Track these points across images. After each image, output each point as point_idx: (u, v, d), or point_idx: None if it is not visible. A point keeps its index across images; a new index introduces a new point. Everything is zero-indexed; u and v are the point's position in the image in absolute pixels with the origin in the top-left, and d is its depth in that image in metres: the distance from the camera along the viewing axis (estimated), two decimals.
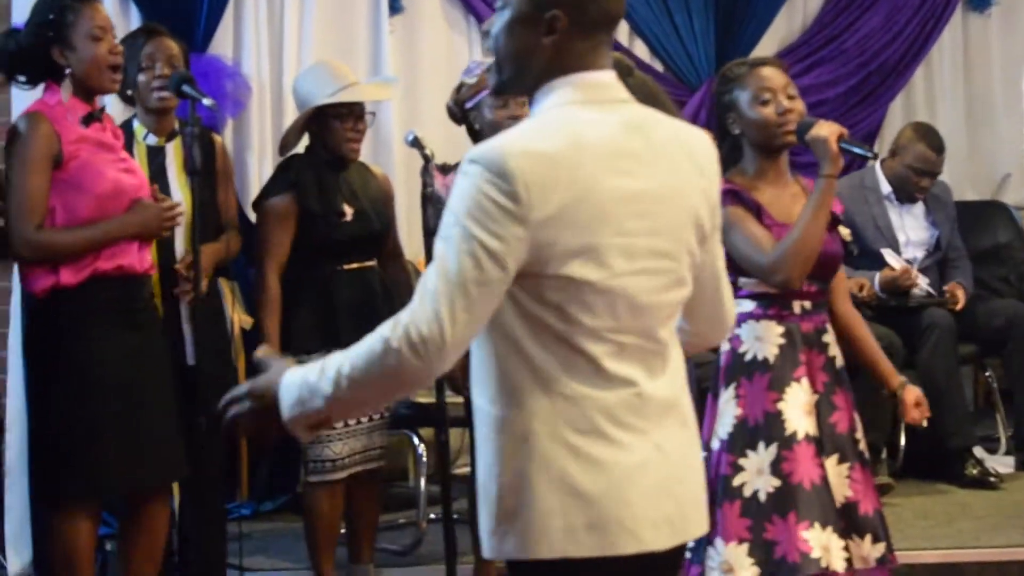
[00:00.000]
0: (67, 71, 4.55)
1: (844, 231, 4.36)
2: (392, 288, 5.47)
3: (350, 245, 5.30)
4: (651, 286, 2.65)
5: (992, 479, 6.84)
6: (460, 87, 5.38)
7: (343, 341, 5.06)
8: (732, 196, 4.12)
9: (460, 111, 5.39)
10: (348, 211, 5.29)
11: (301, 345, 5.19)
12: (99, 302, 4.52)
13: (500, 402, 2.66)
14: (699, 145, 2.81)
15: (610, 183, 2.60)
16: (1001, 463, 7.09)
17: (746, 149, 4.26)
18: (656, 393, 2.69)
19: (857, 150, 4.24)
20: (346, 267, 5.28)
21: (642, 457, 2.65)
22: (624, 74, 4.65)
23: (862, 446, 4.24)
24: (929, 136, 7.18)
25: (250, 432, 2.80)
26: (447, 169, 5.18)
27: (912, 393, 4.36)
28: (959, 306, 7.03)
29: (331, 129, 5.30)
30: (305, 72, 5.70)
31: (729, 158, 4.26)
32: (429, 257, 4.95)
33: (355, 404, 2.64)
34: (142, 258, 4.63)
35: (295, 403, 2.61)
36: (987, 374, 7.73)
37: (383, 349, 2.53)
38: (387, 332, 2.52)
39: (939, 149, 7.15)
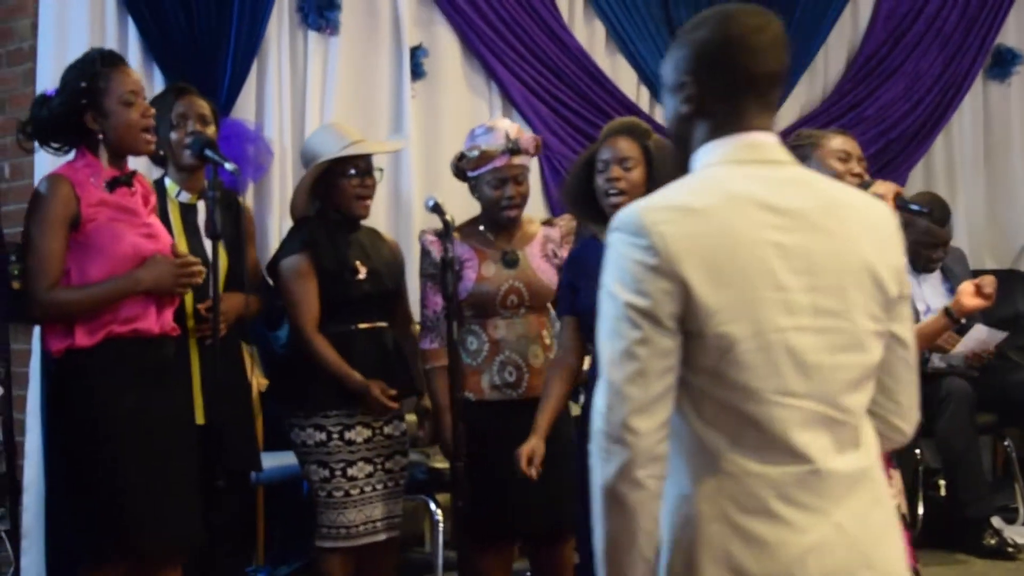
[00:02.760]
0: (100, 136, 4.58)
1: None
2: (403, 351, 5.46)
3: (365, 303, 5.29)
4: (819, 345, 2.52)
5: (1010, 549, 6.83)
6: (461, 156, 5.38)
7: (359, 401, 5.13)
8: None
9: (462, 175, 5.40)
10: (362, 270, 5.29)
11: (319, 405, 5.19)
12: (115, 364, 4.51)
13: (673, 481, 2.55)
14: (875, 211, 2.69)
15: (763, 236, 2.51)
16: (1019, 533, 7.08)
17: None
18: (840, 469, 2.54)
19: (913, 207, 4.24)
20: (361, 326, 5.27)
21: (818, 538, 2.50)
22: (643, 137, 4.71)
23: (896, 503, 4.22)
24: (932, 209, 7.16)
25: None
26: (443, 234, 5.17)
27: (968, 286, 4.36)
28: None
29: (339, 187, 5.30)
30: (313, 134, 5.72)
31: None
32: (448, 320, 4.98)
33: (620, 538, 2.53)
34: (162, 320, 4.63)
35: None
36: (1006, 443, 7.71)
37: (593, 453, 2.50)
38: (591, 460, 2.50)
39: (943, 221, 7.15)
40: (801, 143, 4.40)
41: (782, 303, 2.50)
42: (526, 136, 5.38)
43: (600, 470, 2.50)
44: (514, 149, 5.28)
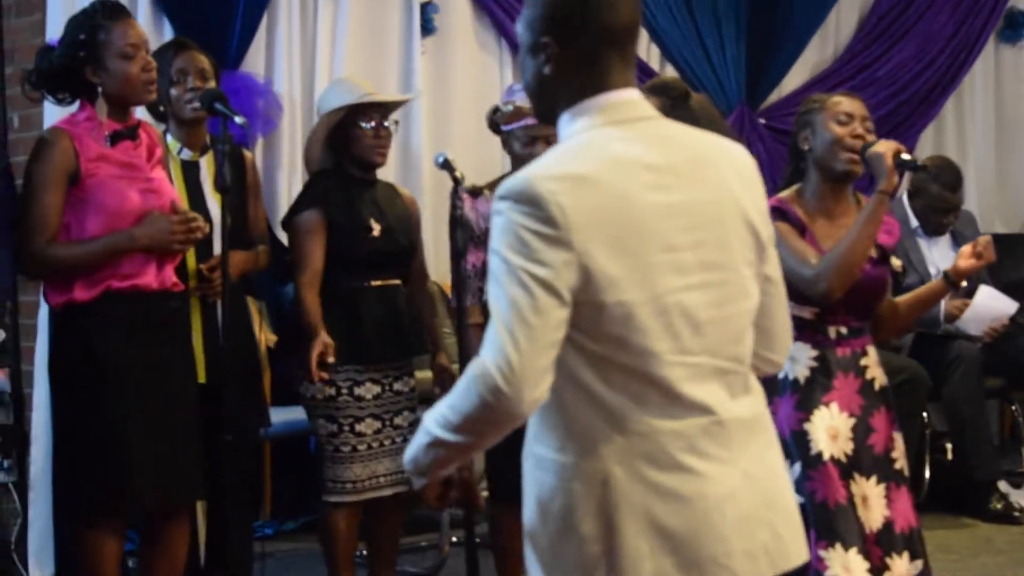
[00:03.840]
0: (99, 89, 4.56)
1: (896, 262, 4.40)
2: (417, 308, 5.47)
3: (377, 261, 5.28)
4: (708, 300, 2.55)
5: (1016, 514, 6.83)
6: (496, 110, 5.38)
7: (369, 357, 5.11)
8: (778, 212, 4.14)
9: (495, 128, 5.40)
10: (376, 227, 5.28)
11: (325, 362, 5.17)
12: (115, 318, 4.49)
13: (571, 449, 2.55)
14: (739, 156, 2.72)
15: (648, 198, 2.51)
16: None
17: (810, 171, 4.28)
18: (738, 416, 2.59)
19: (909, 163, 4.25)
20: (373, 283, 5.24)
21: (730, 486, 2.55)
22: (682, 96, 4.70)
23: (899, 465, 4.23)
24: (943, 175, 7.13)
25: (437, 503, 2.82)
26: (476, 192, 5.18)
27: (966, 248, 4.40)
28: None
29: (355, 137, 5.28)
30: (327, 88, 5.70)
31: (791, 178, 4.33)
32: (456, 278, 4.99)
33: (463, 447, 2.53)
34: (161, 276, 4.60)
35: (414, 465, 2.60)
36: (1013, 408, 7.71)
37: (471, 392, 2.45)
38: (470, 376, 2.47)
39: (954, 187, 7.14)
40: (809, 107, 4.41)
41: (673, 264, 2.51)
42: None
43: (483, 364, 2.44)
44: None
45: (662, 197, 2.52)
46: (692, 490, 2.52)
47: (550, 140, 5.24)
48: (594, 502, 2.53)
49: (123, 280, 4.51)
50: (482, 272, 5.17)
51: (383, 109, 5.37)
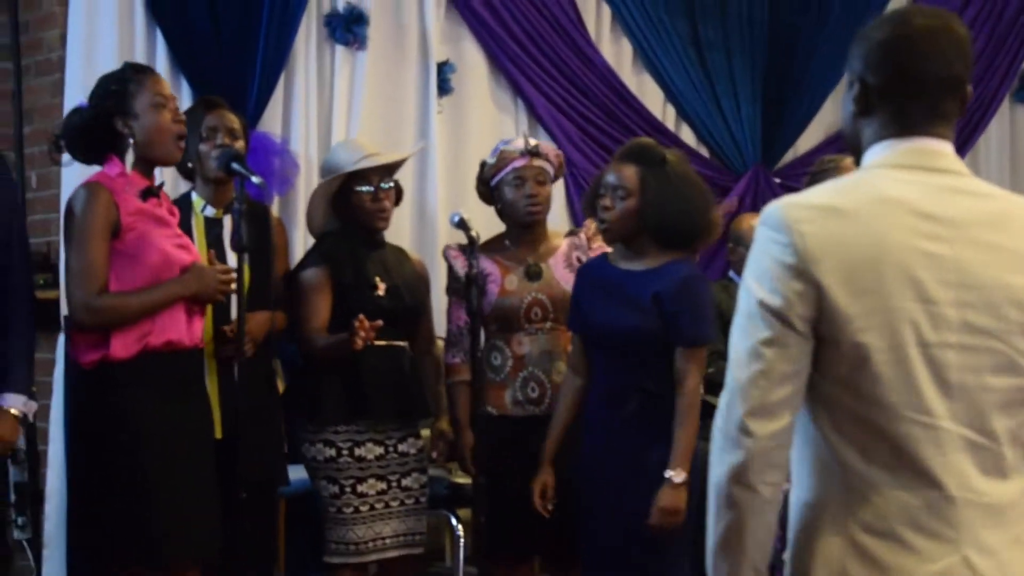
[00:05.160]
0: (130, 141, 4.58)
1: None
2: (421, 371, 5.45)
3: (382, 319, 5.27)
4: (966, 364, 2.42)
5: None
6: (483, 166, 5.42)
7: (370, 415, 5.11)
8: None
9: (487, 190, 5.43)
10: (381, 285, 5.27)
11: (329, 417, 5.18)
12: (149, 377, 4.52)
13: (801, 488, 2.53)
14: None
15: (911, 243, 2.42)
16: None
17: None
18: (978, 498, 2.42)
19: None
20: (376, 343, 5.18)
21: (941, 569, 2.40)
22: (659, 163, 4.75)
23: None
24: None
25: None
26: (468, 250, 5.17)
27: None
28: None
29: (355, 201, 5.28)
30: (332, 149, 5.73)
31: None
32: (474, 337, 5.00)
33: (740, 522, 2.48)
34: (192, 332, 4.63)
35: None
36: None
37: (712, 451, 2.47)
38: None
39: None
40: (824, 168, 4.43)
41: (927, 316, 2.41)
42: (546, 144, 5.48)
43: (715, 467, 2.46)
44: (533, 151, 5.34)
45: (927, 245, 2.43)
46: (896, 562, 2.42)
47: (540, 180, 5.29)
48: (804, 547, 2.50)
49: (159, 336, 4.53)
50: (469, 329, 5.14)
51: (381, 171, 5.35)
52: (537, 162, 5.34)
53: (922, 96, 2.54)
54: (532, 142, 5.37)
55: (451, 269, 5.33)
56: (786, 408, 2.42)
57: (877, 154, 2.56)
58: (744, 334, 2.44)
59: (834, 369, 2.42)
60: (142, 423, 4.50)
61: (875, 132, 2.58)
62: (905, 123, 2.55)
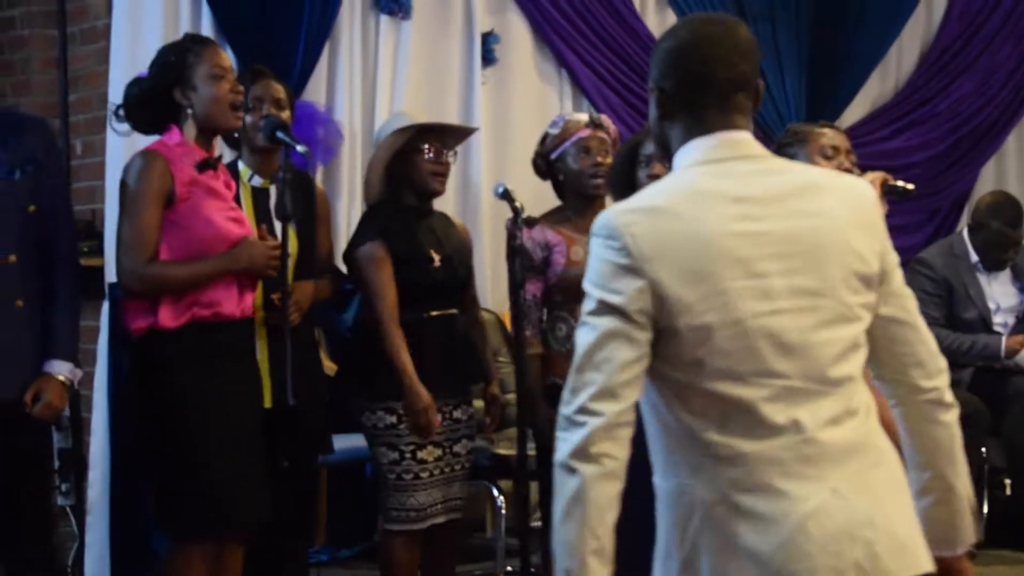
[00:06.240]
0: (188, 111, 4.60)
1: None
2: (472, 337, 5.48)
3: (438, 291, 5.29)
4: (799, 325, 2.60)
5: None
6: (545, 138, 5.44)
7: (431, 387, 5.12)
8: None
9: (545, 163, 5.44)
10: (436, 257, 5.29)
11: (388, 391, 5.18)
12: (196, 346, 4.54)
13: (668, 475, 2.67)
14: (855, 189, 2.77)
15: (732, 228, 2.61)
16: None
17: None
18: (832, 439, 2.61)
19: (899, 190, 4.29)
20: (433, 313, 5.26)
21: (816, 504, 2.57)
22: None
23: None
24: (1003, 212, 7.14)
25: None
26: (532, 222, 5.17)
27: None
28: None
29: (415, 164, 5.29)
30: (386, 122, 5.71)
31: None
32: (515, 308, 5.00)
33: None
34: (242, 304, 4.65)
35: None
36: None
37: (557, 436, 2.61)
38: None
39: (1015, 222, 7.12)
40: (790, 140, 4.42)
41: (758, 290, 2.59)
42: (606, 117, 5.56)
43: (559, 449, 2.59)
44: (598, 123, 5.45)
45: (746, 226, 2.62)
46: (776, 510, 2.57)
47: (605, 151, 5.29)
48: (686, 528, 2.63)
49: (207, 308, 4.55)
50: (541, 302, 5.19)
51: (444, 139, 5.38)
52: (601, 133, 5.43)
53: (714, 96, 2.74)
54: (595, 114, 5.40)
55: (521, 247, 5.26)
56: (629, 389, 2.58)
57: (687, 155, 2.75)
58: (587, 329, 2.61)
59: (682, 354, 2.59)
60: (188, 391, 4.52)
61: (680, 134, 2.77)
62: (704, 122, 2.74)
